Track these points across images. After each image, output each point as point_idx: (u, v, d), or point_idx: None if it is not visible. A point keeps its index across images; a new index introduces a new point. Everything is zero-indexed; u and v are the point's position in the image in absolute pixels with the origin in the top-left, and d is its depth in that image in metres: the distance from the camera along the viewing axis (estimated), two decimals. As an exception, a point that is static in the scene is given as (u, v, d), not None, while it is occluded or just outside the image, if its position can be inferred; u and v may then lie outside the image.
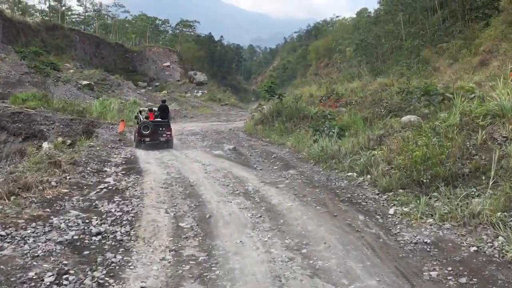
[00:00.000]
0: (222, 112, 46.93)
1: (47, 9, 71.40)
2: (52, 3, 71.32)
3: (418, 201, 7.89)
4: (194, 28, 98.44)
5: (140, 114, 19.48)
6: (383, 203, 8.42)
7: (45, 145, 20.31)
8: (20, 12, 66.42)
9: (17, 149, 19.04)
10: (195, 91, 65.79)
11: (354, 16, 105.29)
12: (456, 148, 8.94)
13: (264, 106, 24.16)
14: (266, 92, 21.75)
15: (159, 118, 18.27)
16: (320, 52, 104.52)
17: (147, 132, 16.92)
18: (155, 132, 17.13)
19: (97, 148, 14.18)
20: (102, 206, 8.17)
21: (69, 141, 20.27)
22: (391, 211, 7.90)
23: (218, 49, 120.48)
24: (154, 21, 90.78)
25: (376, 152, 10.93)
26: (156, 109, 19.29)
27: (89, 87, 42.56)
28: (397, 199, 8.40)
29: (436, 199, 7.97)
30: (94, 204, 8.34)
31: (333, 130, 14.17)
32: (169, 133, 17.52)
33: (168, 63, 74.09)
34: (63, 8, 72.77)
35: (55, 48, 56.31)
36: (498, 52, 26.10)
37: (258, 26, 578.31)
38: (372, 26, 57.81)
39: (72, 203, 8.24)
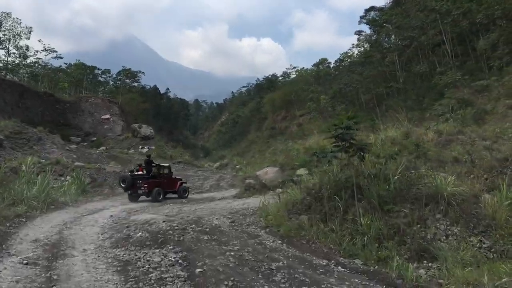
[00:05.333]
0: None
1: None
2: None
3: None
4: (138, 79, 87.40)
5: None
6: None
7: None
8: None
9: None
10: (140, 146, 54.32)
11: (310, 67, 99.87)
12: None
13: (301, 173, 13.04)
14: (337, 138, 9.39)
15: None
16: (277, 104, 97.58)
17: (124, 185, 18.47)
18: (133, 185, 18.45)
19: None
20: None
21: None
22: None
23: (164, 102, 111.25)
24: (93, 70, 78.99)
25: None
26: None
27: (-4, 143, 30.12)
28: None
29: None
30: None
31: None
32: (146, 185, 18.37)
33: (107, 116, 62.17)
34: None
35: (-42, 98, 43.43)
36: None
37: (201, 83, 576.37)
38: (356, 70, 49.64)
39: None
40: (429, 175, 9.43)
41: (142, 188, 18.34)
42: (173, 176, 20.92)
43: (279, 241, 9.28)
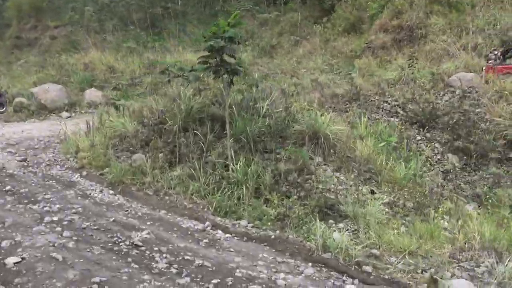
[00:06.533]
0: None
1: None
2: None
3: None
4: None
5: None
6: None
7: None
8: None
9: None
10: None
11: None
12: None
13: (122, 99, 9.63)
14: (213, 52, 6.33)
15: None
16: (25, 10, 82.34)
17: None
18: None
19: None
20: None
21: None
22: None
23: None
24: None
25: None
26: None
27: None
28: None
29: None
30: None
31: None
32: None
33: None
34: None
35: None
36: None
37: None
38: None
39: None
40: (311, 110, 7.95)
41: None
42: None
43: (111, 192, 6.47)
